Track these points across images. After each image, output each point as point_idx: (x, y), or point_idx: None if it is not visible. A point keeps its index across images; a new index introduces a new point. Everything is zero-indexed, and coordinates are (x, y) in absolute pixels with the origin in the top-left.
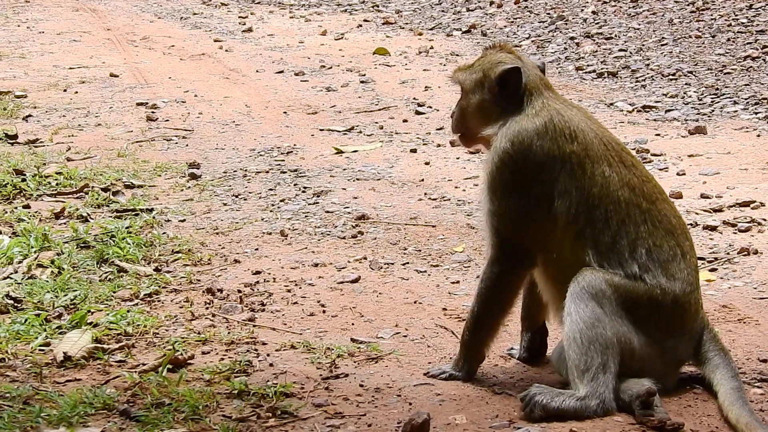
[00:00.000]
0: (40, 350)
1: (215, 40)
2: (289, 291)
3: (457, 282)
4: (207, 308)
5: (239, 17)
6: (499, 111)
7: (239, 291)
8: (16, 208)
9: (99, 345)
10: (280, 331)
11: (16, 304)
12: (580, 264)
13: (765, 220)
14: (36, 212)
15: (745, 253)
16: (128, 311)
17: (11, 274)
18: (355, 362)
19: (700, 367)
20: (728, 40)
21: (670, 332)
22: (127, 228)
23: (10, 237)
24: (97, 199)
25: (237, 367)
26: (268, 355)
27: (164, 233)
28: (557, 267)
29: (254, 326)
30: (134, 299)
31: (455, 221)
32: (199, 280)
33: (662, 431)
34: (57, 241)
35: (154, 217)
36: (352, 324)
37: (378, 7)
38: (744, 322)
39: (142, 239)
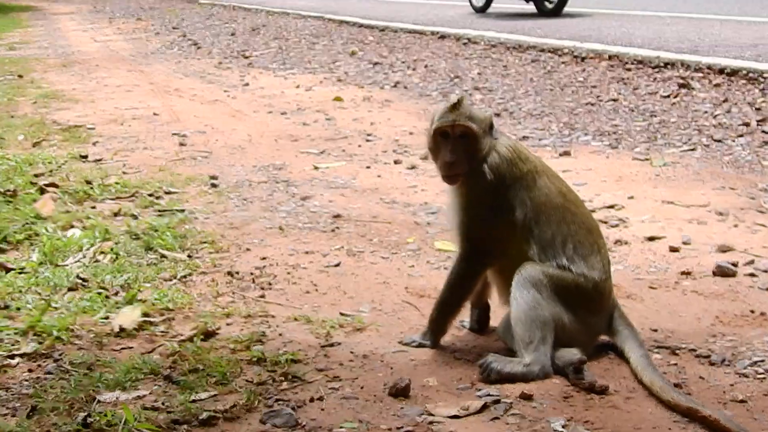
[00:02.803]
0: (101, 323)
1: (224, 91)
2: (288, 273)
3: (413, 266)
4: (228, 287)
5: (240, 76)
6: (482, 150)
7: (251, 273)
8: (85, 208)
9: (147, 319)
10: (285, 306)
11: (84, 283)
12: (524, 258)
13: (627, 218)
14: (100, 212)
15: (619, 243)
16: (168, 290)
17: (80, 259)
18: (345, 332)
19: (612, 337)
20: (572, 92)
21: (591, 311)
22: (167, 224)
23: (80, 230)
24: (144, 202)
25: (254, 337)
26: (277, 326)
27: (194, 227)
28: (507, 261)
29: (265, 302)
30: (173, 280)
31: (405, 219)
32: (221, 264)
33: (592, 391)
34: (115, 234)
35: (186, 216)
36: (339, 300)
37: (332, 69)
38: (631, 298)
39: (178, 232)
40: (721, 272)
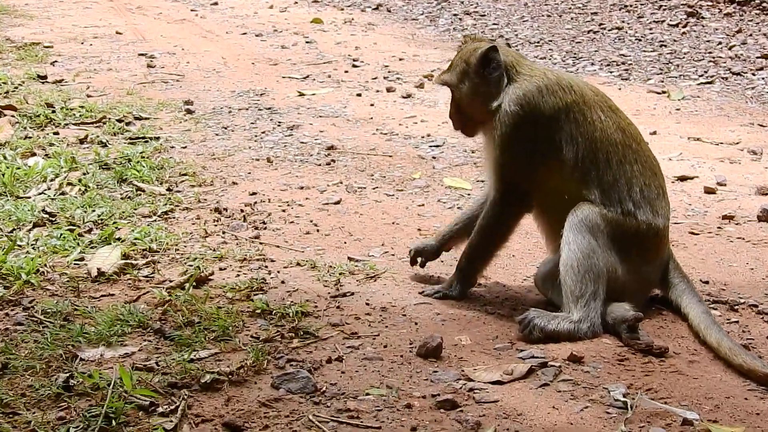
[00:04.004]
0: (75, 264)
1: (191, 10)
2: (284, 211)
3: (423, 205)
4: (216, 225)
5: None
6: (495, 88)
7: (242, 210)
8: (47, 134)
9: (128, 261)
10: (284, 248)
11: (51, 218)
12: (579, 199)
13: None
14: (64, 138)
15: None
16: (150, 227)
17: (45, 190)
18: (356, 281)
19: (665, 291)
20: (572, 18)
21: (648, 261)
22: (140, 153)
23: (43, 158)
24: (113, 128)
25: (254, 284)
26: (278, 272)
27: (171, 158)
28: (559, 205)
29: (261, 243)
30: (153, 216)
31: (407, 153)
32: (205, 200)
33: (650, 353)
34: (83, 163)
35: (161, 144)
36: (345, 243)
37: None
38: (673, 245)
39: (154, 163)
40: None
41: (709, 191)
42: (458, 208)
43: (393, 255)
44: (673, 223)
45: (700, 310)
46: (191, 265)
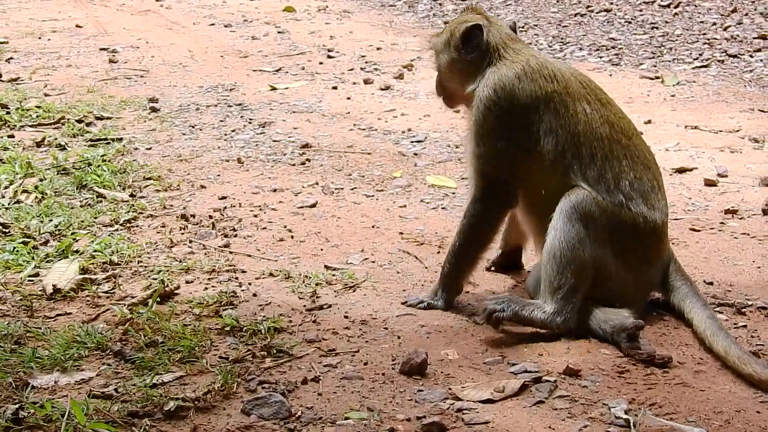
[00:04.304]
0: (29, 281)
1: (156, 0)
2: (255, 216)
3: (404, 206)
4: (183, 233)
5: None
6: (473, 69)
7: (210, 217)
8: (1, 137)
9: (86, 276)
10: (256, 257)
11: (3, 230)
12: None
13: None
14: (19, 141)
15: None
16: (111, 237)
17: None
18: (334, 291)
19: (667, 294)
20: (557, 1)
21: (647, 260)
22: (101, 156)
23: None
24: (72, 129)
25: (223, 298)
26: (249, 284)
27: (135, 160)
28: (543, 201)
29: (230, 252)
30: (114, 225)
31: (387, 149)
32: (171, 206)
33: (651, 364)
34: (39, 168)
35: (124, 146)
36: (321, 249)
37: None
38: (673, 243)
39: (116, 166)
40: None
41: (709, 183)
42: (443, 208)
43: (373, 262)
44: (672, 219)
45: (705, 314)
46: (155, 279)
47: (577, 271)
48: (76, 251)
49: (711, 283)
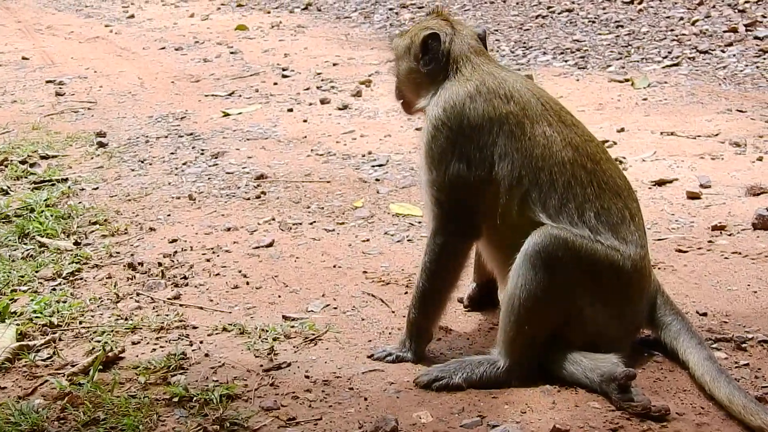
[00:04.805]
0: None
1: (106, 26)
2: (208, 260)
3: (368, 240)
4: (130, 284)
5: (122, 6)
6: (429, 80)
7: (159, 264)
8: None
9: (24, 343)
10: (208, 309)
11: None
12: (526, 226)
13: (624, 158)
14: None
15: None
16: (52, 294)
17: None
18: (293, 346)
19: (657, 331)
20: (517, 3)
21: (629, 299)
22: (45, 201)
23: None
24: (16, 171)
25: (172, 362)
26: (201, 342)
27: (80, 203)
28: (503, 232)
29: (181, 305)
30: (57, 278)
31: (347, 176)
32: (118, 252)
33: (647, 418)
34: None
35: (69, 187)
36: (279, 296)
37: None
38: (659, 268)
39: (61, 211)
40: (764, 224)
41: (692, 196)
42: (408, 240)
43: (335, 308)
44: (656, 239)
45: (702, 356)
46: (99, 341)
47: (538, 323)
48: (14, 313)
49: (705, 314)
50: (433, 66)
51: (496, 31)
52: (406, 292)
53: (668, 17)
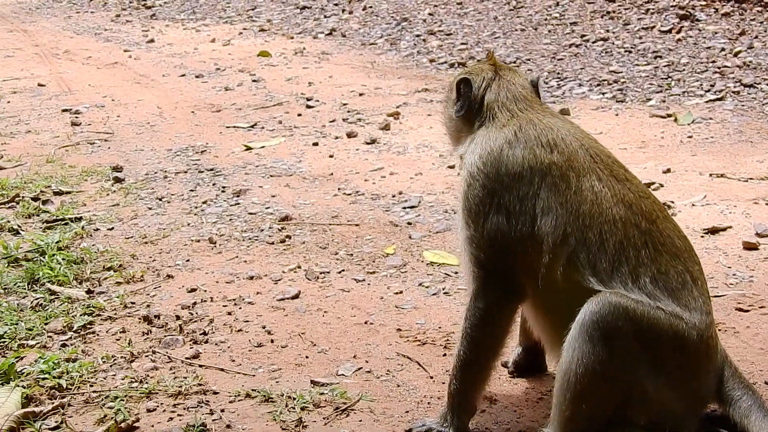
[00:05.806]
0: None
1: (125, 50)
2: (229, 314)
3: (401, 292)
4: (145, 339)
5: (142, 30)
6: (467, 126)
7: (177, 317)
8: None
9: (30, 409)
10: (230, 372)
11: None
12: (575, 291)
13: (673, 202)
14: None
15: None
16: (62, 350)
17: None
18: (323, 417)
19: (724, 407)
20: (549, 32)
21: (695, 372)
22: (57, 243)
23: None
24: (27, 209)
25: None
26: (222, 410)
27: (94, 245)
28: (549, 295)
29: (200, 366)
30: (67, 332)
31: (376, 218)
32: (133, 303)
33: None
34: None
35: (83, 227)
36: (306, 357)
37: (252, 18)
38: (718, 330)
39: (73, 255)
40: None
41: (749, 246)
42: (445, 293)
43: (368, 372)
44: (713, 296)
45: None
46: (111, 407)
47: (597, 401)
48: (20, 373)
49: None
50: (466, 112)
51: (528, 59)
52: (444, 354)
53: (708, 48)
